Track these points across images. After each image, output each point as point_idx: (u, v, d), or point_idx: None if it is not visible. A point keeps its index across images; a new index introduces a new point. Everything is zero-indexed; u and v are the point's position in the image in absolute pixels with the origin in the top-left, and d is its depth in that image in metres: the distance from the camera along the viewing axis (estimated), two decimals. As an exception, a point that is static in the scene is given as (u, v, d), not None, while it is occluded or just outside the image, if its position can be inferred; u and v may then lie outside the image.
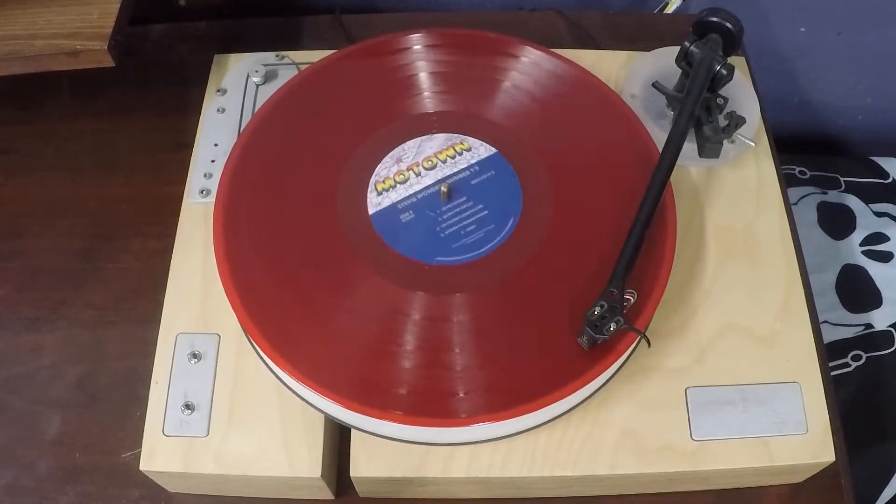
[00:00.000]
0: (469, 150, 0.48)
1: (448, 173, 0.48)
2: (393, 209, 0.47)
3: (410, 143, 0.49)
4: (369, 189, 0.47)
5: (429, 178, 0.48)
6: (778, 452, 0.43)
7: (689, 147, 0.50)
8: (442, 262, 0.45)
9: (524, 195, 0.47)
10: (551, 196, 0.47)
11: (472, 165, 0.48)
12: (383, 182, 0.47)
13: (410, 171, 0.47)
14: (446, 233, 0.46)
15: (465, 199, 0.47)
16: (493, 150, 0.49)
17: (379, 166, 0.48)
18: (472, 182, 0.48)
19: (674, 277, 0.45)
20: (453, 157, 0.48)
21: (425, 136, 0.49)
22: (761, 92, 0.54)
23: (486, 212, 0.47)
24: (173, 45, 0.64)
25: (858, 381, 0.67)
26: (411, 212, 0.47)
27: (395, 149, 0.49)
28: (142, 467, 0.43)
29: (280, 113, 0.50)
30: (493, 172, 0.48)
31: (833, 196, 0.77)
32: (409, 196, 0.47)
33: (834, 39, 0.78)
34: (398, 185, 0.47)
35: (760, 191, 0.51)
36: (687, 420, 0.44)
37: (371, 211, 0.47)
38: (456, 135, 0.49)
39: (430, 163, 0.48)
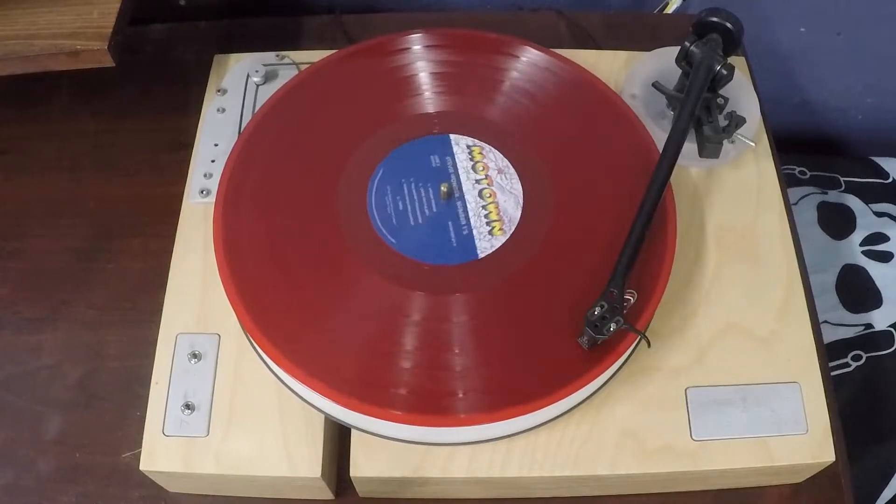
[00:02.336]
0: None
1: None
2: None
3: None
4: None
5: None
6: (778, 452, 0.43)
7: (689, 147, 0.50)
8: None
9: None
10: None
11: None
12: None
13: None
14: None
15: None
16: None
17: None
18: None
19: (674, 277, 0.45)
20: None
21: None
22: (761, 92, 0.54)
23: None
24: (173, 45, 0.64)
25: (858, 381, 0.67)
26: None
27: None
28: (142, 467, 0.43)
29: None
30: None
31: (833, 196, 0.77)
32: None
33: (834, 39, 0.78)
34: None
35: (760, 191, 0.51)
36: (687, 420, 0.44)
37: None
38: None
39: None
